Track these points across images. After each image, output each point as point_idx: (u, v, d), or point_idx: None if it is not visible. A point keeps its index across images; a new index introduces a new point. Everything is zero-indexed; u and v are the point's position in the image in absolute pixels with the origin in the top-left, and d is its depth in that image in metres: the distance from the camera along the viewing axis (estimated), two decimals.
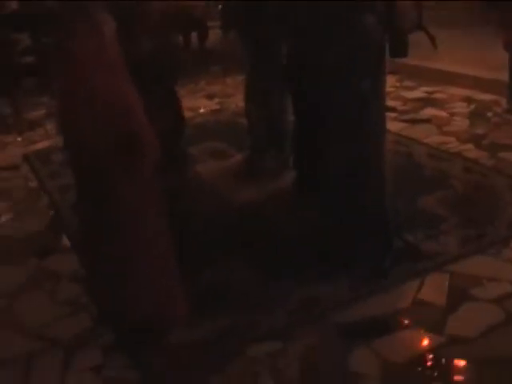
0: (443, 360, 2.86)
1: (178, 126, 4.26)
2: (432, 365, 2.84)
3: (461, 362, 2.84)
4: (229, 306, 3.30)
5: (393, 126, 5.65)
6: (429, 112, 6.12)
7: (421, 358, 2.88)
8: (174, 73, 4.22)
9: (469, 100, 6.39)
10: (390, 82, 6.91)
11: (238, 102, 6.33)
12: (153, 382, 2.91)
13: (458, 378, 2.77)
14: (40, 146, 6.35)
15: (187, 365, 2.94)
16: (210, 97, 7.40)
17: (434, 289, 3.37)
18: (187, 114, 5.26)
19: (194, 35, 9.29)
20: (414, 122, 5.91)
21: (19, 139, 6.66)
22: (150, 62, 3.62)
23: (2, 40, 6.82)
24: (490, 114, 5.94)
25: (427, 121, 5.85)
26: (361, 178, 3.55)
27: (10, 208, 4.91)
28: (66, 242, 4.26)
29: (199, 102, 7.28)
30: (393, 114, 6.00)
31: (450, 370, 2.81)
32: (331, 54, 3.35)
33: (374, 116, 3.48)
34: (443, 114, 6.06)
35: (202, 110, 6.98)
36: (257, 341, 3.07)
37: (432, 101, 6.48)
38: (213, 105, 7.11)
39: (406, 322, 3.15)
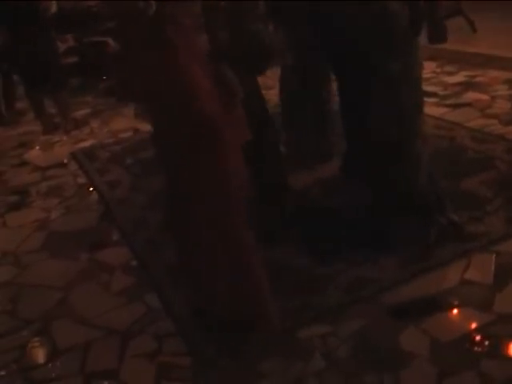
0: (491, 338, 2.89)
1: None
2: (480, 342, 2.87)
3: (509, 340, 2.87)
4: (280, 287, 3.37)
5: (435, 110, 5.67)
6: (470, 96, 6.10)
7: (469, 336, 2.92)
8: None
9: (510, 82, 6.35)
10: (431, 67, 6.93)
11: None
12: (205, 367, 2.98)
13: (506, 355, 2.79)
14: (86, 144, 6.51)
15: (237, 348, 3.02)
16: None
17: (480, 268, 3.40)
18: None
19: None
20: (455, 106, 5.90)
21: (66, 138, 6.81)
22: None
23: (46, 41, 6.93)
24: None
25: (469, 104, 5.84)
26: (397, 159, 3.60)
27: (60, 204, 5.05)
28: (116, 235, 4.37)
29: None
30: (434, 99, 6.01)
31: (499, 347, 2.84)
32: (359, 40, 3.43)
33: (404, 98, 3.52)
34: (485, 97, 6.04)
35: None
36: (307, 322, 3.14)
37: (473, 84, 6.46)
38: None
39: (454, 301, 3.18)
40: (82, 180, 5.51)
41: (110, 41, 7.74)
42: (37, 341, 3.38)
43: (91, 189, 5.25)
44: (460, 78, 6.77)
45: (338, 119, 4.21)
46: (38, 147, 6.66)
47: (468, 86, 6.43)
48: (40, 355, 3.27)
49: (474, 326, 2.99)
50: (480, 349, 2.84)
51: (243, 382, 2.86)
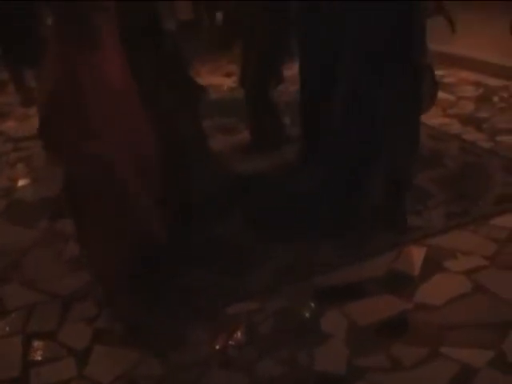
0: (406, 324, 3.09)
1: None
2: (395, 328, 3.07)
3: (423, 327, 3.06)
4: (217, 264, 3.61)
5: None
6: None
7: (386, 321, 3.12)
8: None
9: (477, 84, 6.53)
10: None
11: None
12: (132, 334, 3.17)
13: (417, 340, 2.98)
14: None
15: (166, 318, 3.21)
16: (229, 75, 7.60)
17: (409, 260, 3.59)
18: None
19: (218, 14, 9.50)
20: None
21: None
22: None
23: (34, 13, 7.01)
24: (496, 99, 6.08)
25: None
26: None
27: (28, 174, 5.22)
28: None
29: (219, 80, 7.52)
30: None
31: (412, 333, 3.04)
32: None
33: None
34: (450, 97, 6.22)
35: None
36: (239, 299, 3.34)
37: (442, 84, 6.59)
38: (230, 82, 7.31)
39: (379, 289, 3.37)
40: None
41: None
42: None
43: None
44: None
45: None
46: (13, 119, 6.79)
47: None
48: None
49: (392, 312, 3.18)
50: (393, 333, 3.03)
51: (168, 347, 3.05)
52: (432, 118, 5.58)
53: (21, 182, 5.08)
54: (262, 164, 4.83)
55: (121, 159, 2.96)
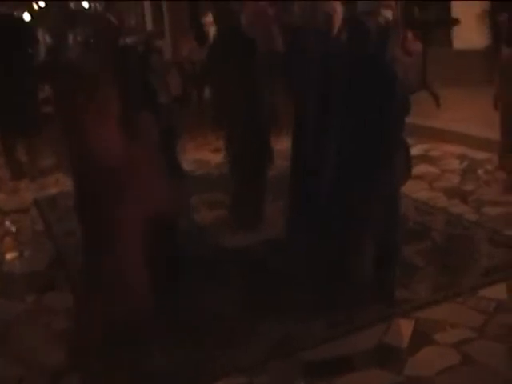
0: None
1: None
2: None
3: None
4: (207, 338, 3.59)
5: None
6: (422, 169, 6.32)
7: None
8: None
9: (462, 157, 6.63)
10: None
11: None
12: None
13: None
14: (50, 191, 6.71)
15: None
16: (217, 151, 7.66)
17: (398, 333, 3.59)
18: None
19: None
20: None
21: (31, 185, 7.01)
22: None
23: (29, 89, 7.20)
24: (480, 172, 6.16)
25: (419, 177, 6.06)
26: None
27: (16, 247, 5.22)
28: (63, 280, 4.52)
29: (206, 156, 7.62)
30: None
31: None
32: None
33: None
34: (435, 170, 6.31)
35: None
36: (227, 373, 3.31)
37: (427, 158, 6.72)
38: (218, 158, 7.35)
39: (368, 362, 3.36)
40: (40, 227, 5.68)
41: None
42: None
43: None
44: (416, 150, 6.97)
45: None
46: (2, 191, 6.83)
47: (422, 159, 6.65)
48: None
49: None
50: None
51: None
52: (418, 192, 5.66)
53: (9, 255, 5.07)
54: (246, 239, 4.86)
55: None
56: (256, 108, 4.89)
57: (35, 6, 15.30)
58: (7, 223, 5.88)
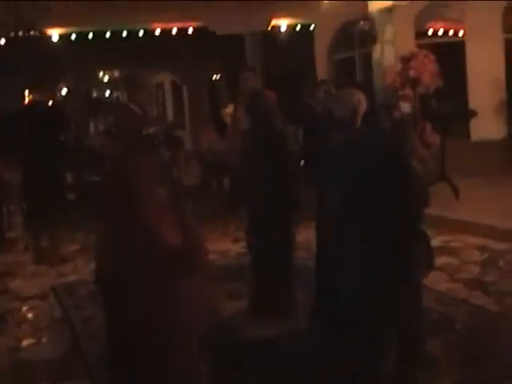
0: None
1: None
2: None
3: None
4: None
5: None
6: (442, 260, 6.26)
7: None
8: None
9: (482, 248, 6.61)
10: None
11: None
12: None
13: None
14: (68, 279, 6.72)
15: None
16: (236, 241, 7.66)
17: None
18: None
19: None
20: None
21: (50, 271, 7.02)
22: None
23: (57, 175, 7.37)
24: (501, 262, 6.12)
25: (439, 269, 6.01)
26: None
27: (33, 334, 5.18)
28: (81, 369, 4.46)
29: (226, 246, 7.64)
30: None
31: None
32: None
33: None
34: (456, 261, 6.27)
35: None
36: None
37: (447, 249, 6.69)
38: (238, 248, 7.37)
39: None
40: (57, 313, 5.65)
41: None
42: None
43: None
44: (437, 242, 6.94)
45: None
46: (22, 277, 6.85)
47: (442, 250, 6.60)
48: None
49: None
50: None
51: None
52: (439, 283, 5.62)
53: (26, 342, 5.03)
54: (267, 330, 4.78)
55: None
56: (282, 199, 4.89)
57: (58, 94, 15.61)
58: (24, 309, 5.86)
